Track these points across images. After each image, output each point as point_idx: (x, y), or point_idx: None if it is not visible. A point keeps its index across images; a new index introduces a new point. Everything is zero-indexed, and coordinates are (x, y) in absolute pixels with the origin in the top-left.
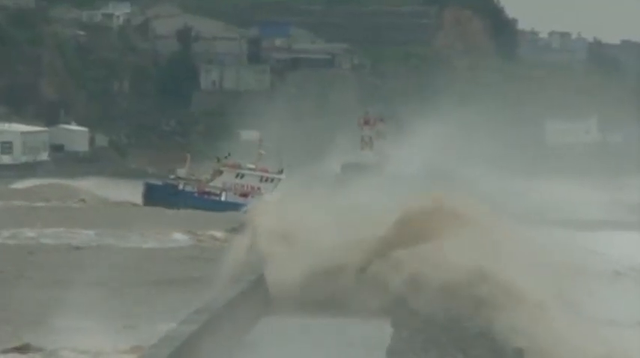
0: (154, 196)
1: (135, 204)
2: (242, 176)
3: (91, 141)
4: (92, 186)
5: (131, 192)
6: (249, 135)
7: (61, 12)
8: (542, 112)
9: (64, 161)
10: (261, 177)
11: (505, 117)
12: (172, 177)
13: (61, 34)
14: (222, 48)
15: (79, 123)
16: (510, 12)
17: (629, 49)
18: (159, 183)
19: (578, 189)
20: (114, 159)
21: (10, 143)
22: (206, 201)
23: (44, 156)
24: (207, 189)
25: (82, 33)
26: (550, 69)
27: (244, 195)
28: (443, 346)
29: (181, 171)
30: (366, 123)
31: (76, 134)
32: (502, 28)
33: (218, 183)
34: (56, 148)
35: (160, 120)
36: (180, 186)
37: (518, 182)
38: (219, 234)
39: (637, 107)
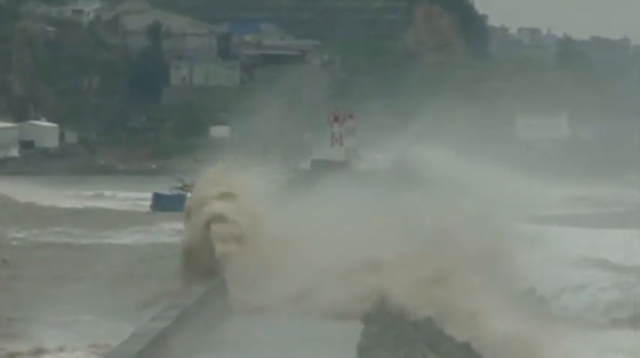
0: (163, 205)
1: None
2: None
3: (61, 137)
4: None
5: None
6: (219, 131)
7: (31, 8)
8: (512, 108)
9: (34, 157)
10: None
11: (476, 113)
12: (179, 186)
13: (31, 30)
14: (192, 44)
15: (49, 120)
16: (480, 8)
17: (599, 45)
18: (167, 193)
19: (539, 183)
20: (83, 155)
21: None
22: None
23: (14, 152)
24: None
25: (51, 29)
26: (520, 65)
27: None
28: (413, 342)
29: (188, 179)
30: (336, 119)
31: (45, 130)
32: (472, 24)
33: None
34: (26, 144)
35: (129, 116)
36: (188, 195)
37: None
38: None
39: (607, 103)
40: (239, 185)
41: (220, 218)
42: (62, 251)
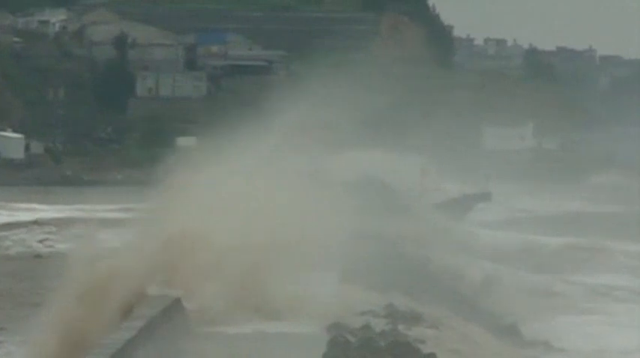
0: None
1: None
2: None
3: (27, 148)
4: None
5: None
6: (185, 141)
7: None
8: (479, 119)
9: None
10: None
11: (442, 124)
12: None
13: None
14: (158, 54)
15: (15, 130)
16: (446, 19)
17: (565, 56)
18: None
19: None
20: (49, 165)
21: None
22: None
23: None
24: None
25: (17, 39)
26: (486, 75)
27: None
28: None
29: None
30: (302, 130)
31: (11, 141)
32: (438, 34)
33: None
34: None
35: (95, 126)
36: None
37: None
38: None
39: (572, 113)
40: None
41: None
42: None
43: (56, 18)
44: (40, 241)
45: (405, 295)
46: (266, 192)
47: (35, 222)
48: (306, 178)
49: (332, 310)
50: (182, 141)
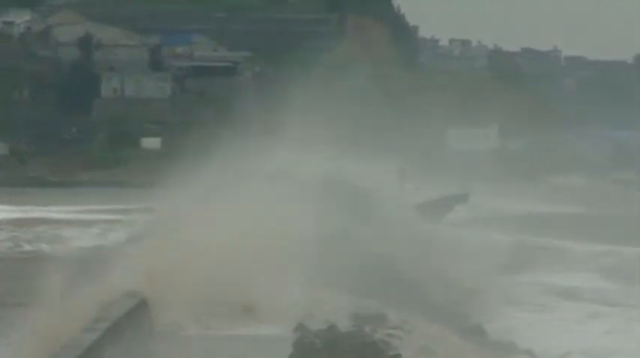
0: None
1: None
2: None
3: None
4: None
5: None
6: (150, 142)
7: None
8: (443, 119)
9: None
10: None
11: (407, 124)
12: None
13: None
14: (123, 55)
15: None
16: (411, 19)
17: (530, 56)
18: None
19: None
20: (14, 167)
21: None
22: None
23: None
24: None
25: None
26: (451, 76)
27: None
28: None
29: None
30: (268, 131)
31: None
32: (403, 35)
33: None
34: None
35: (60, 127)
36: None
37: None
38: None
39: (537, 114)
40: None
41: None
42: None
43: (21, 19)
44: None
45: (370, 296)
46: (229, 194)
47: None
48: (271, 179)
49: (298, 313)
50: (147, 142)
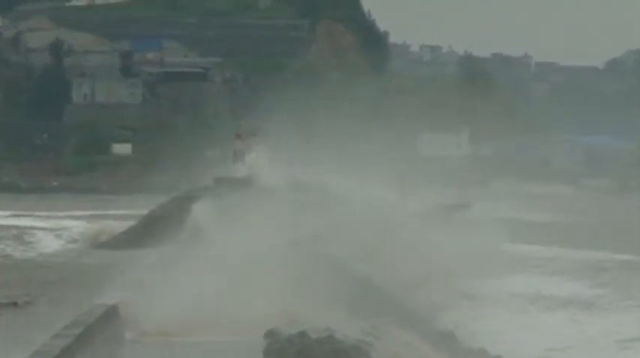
0: None
1: None
2: None
3: None
4: None
5: None
6: (121, 148)
7: None
8: (414, 125)
9: None
10: None
11: (377, 130)
12: None
13: None
14: (94, 61)
15: None
16: (382, 25)
17: (500, 62)
18: None
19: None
20: None
21: None
22: None
23: None
24: None
25: None
26: (421, 82)
27: None
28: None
29: None
30: (238, 136)
31: None
32: (374, 41)
33: None
34: None
35: (31, 133)
36: None
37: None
38: None
39: (507, 120)
40: None
41: None
42: None
43: None
44: None
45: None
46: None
47: None
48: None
49: (269, 320)
50: (118, 148)
